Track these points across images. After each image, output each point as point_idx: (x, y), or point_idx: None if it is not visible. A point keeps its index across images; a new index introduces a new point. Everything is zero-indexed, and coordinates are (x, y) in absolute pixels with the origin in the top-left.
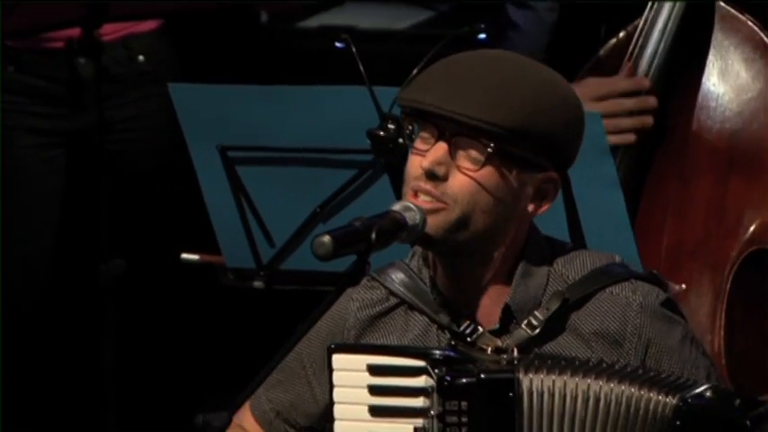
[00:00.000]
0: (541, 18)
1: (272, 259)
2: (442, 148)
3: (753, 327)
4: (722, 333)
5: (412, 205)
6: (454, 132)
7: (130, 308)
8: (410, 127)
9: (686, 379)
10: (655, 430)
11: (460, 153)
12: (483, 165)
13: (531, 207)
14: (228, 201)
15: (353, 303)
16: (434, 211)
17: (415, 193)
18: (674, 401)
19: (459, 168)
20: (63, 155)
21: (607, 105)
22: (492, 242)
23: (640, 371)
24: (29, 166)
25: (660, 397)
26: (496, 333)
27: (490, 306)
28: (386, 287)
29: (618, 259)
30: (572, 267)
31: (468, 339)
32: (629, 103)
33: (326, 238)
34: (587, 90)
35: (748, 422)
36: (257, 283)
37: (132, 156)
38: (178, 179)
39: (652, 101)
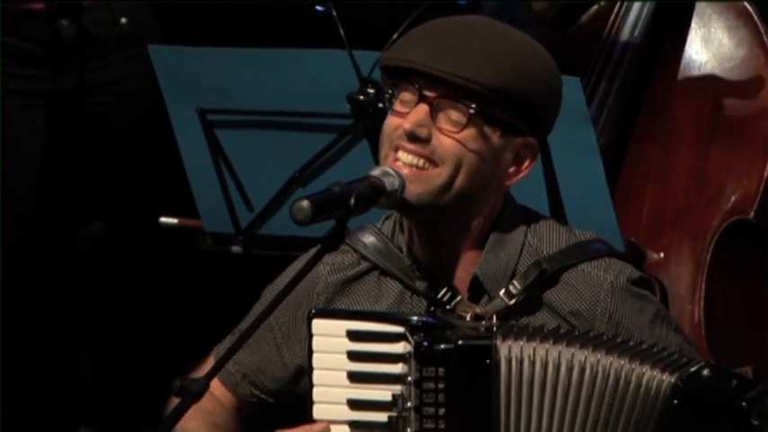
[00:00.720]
0: None
1: (251, 224)
2: (423, 109)
3: (733, 297)
4: (702, 303)
5: (391, 170)
6: (436, 94)
7: (109, 271)
8: (390, 91)
9: (680, 356)
10: (648, 406)
11: (441, 115)
12: (464, 126)
13: (509, 173)
14: (207, 164)
15: (324, 267)
16: (418, 178)
17: (397, 151)
18: (672, 379)
19: (440, 130)
20: (44, 116)
21: None
22: (470, 208)
23: (631, 343)
24: (12, 127)
25: (655, 373)
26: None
27: (464, 275)
28: (357, 251)
29: (594, 236)
30: (547, 241)
31: (447, 307)
32: None
33: (305, 203)
34: None
35: (744, 404)
36: (235, 248)
37: (112, 118)
38: (158, 142)
39: None
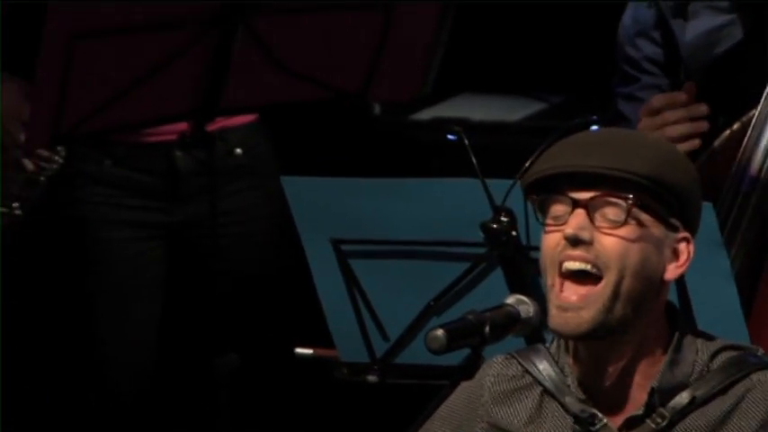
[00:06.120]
0: None
1: (386, 353)
2: (580, 214)
3: None
4: None
5: (526, 298)
6: (590, 195)
7: (245, 403)
8: (539, 213)
9: None
10: None
11: (598, 216)
12: (624, 221)
13: (669, 269)
14: (342, 294)
15: (488, 379)
16: (586, 301)
17: (561, 266)
18: None
19: (600, 230)
20: (161, 247)
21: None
22: (639, 312)
23: None
24: (126, 259)
25: None
26: (640, 418)
27: (635, 390)
28: (531, 375)
29: (760, 352)
30: (716, 359)
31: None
32: (679, 112)
33: (440, 332)
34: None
35: None
36: (371, 378)
37: (232, 248)
38: (287, 273)
39: (702, 108)
